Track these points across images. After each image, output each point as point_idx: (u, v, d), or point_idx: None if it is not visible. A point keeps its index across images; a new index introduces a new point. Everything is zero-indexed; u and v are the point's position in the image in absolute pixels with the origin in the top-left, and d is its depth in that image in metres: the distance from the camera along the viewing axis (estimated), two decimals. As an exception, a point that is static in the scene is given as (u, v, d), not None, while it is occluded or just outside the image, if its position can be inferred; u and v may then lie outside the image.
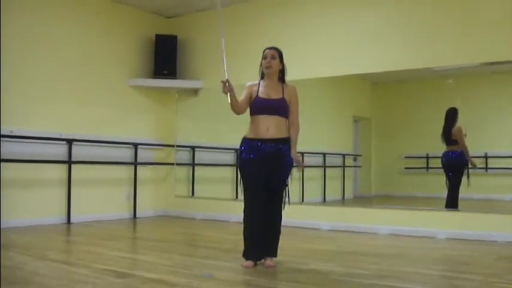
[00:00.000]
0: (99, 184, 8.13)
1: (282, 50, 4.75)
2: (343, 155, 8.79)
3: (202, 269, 4.43)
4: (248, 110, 4.69)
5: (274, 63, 4.65)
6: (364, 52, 7.19)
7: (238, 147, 4.67)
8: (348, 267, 4.63)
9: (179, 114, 9.04)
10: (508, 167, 7.15)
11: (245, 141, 4.63)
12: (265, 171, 4.53)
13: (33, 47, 7.36)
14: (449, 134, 7.18)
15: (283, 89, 4.69)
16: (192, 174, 9.06)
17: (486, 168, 7.36)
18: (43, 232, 6.65)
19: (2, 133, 6.71)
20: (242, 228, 4.62)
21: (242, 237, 4.62)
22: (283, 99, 4.63)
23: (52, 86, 7.56)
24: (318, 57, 7.58)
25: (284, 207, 4.69)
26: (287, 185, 4.67)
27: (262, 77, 4.76)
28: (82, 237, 6.46)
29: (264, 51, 4.72)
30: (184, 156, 9.16)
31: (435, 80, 7.59)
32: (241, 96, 4.65)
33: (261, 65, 4.73)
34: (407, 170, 8.11)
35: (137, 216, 8.51)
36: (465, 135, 7.13)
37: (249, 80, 4.83)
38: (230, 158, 8.81)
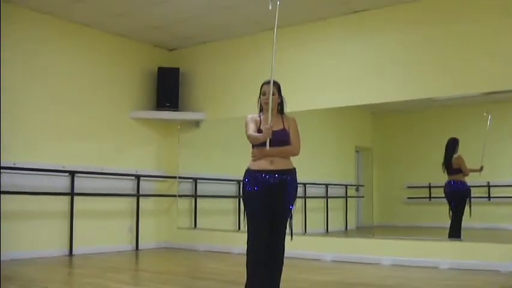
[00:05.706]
0: (102, 216, 8.12)
1: (281, 82, 4.73)
2: (346, 186, 8.79)
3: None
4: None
5: (273, 99, 4.64)
6: (366, 83, 7.25)
7: (242, 179, 4.65)
8: (351, 299, 4.61)
9: (181, 146, 9.07)
10: (510, 196, 7.14)
11: (249, 173, 4.61)
12: (269, 202, 4.52)
13: (36, 79, 7.43)
14: (450, 163, 7.20)
15: (283, 120, 4.71)
16: (194, 206, 9.04)
17: (489, 198, 7.35)
18: (45, 264, 6.64)
19: (5, 165, 6.76)
20: (245, 260, 4.60)
21: (245, 268, 4.60)
22: (284, 130, 4.64)
23: (55, 118, 7.62)
24: (320, 89, 7.63)
25: (291, 239, 4.67)
26: (291, 216, 4.66)
27: (261, 110, 4.77)
28: (84, 269, 6.44)
29: (262, 86, 4.72)
30: (187, 187, 9.16)
31: (436, 110, 7.64)
32: (250, 129, 4.62)
33: (259, 98, 4.74)
34: (409, 199, 8.10)
35: (140, 248, 8.49)
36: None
37: (252, 111, 4.83)
38: (232, 189, 8.81)
